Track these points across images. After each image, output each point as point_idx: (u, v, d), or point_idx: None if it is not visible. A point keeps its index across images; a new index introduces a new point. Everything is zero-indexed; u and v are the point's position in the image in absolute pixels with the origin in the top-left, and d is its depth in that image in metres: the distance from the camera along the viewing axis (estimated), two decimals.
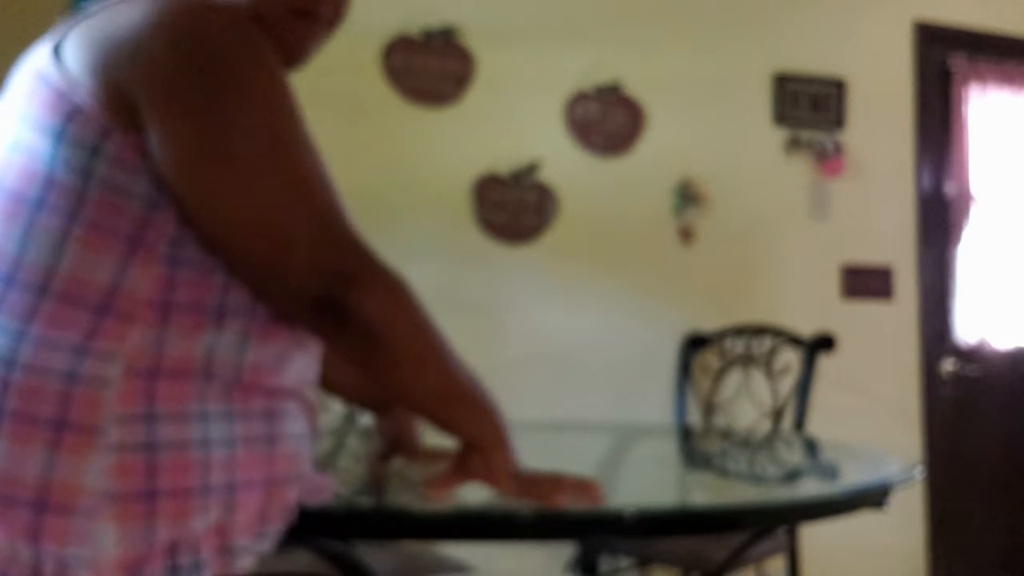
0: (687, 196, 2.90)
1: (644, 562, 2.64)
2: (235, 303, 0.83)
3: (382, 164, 2.66)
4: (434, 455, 1.15)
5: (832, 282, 3.09)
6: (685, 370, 2.86)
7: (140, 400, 0.78)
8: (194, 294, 0.81)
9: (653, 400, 2.87)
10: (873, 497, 1.21)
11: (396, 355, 0.83)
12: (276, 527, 0.89)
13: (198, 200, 0.81)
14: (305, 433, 0.93)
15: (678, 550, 2.23)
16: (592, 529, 1.30)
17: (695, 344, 2.87)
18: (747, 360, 2.77)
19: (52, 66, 0.83)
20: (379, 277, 0.82)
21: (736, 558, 2.11)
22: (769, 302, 2.98)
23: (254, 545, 0.86)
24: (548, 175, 2.79)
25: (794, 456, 1.91)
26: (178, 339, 0.80)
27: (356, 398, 1.27)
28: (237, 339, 0.83)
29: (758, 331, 2.76)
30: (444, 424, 0.91)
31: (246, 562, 0.85)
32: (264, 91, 0.82)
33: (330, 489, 0.96)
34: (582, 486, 0.93)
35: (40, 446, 0.74)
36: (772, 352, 2.70)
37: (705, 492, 1.46)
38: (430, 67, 2.71)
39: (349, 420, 2.17)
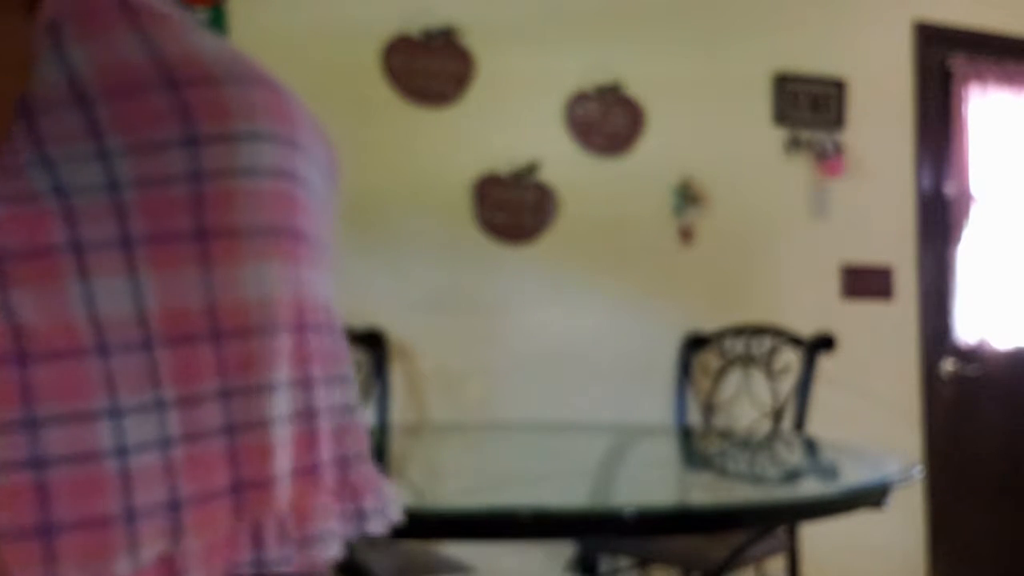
0: (687, 196, 2.90)
1: (644, 562, 2.64)
2: (93, 232, 0.53)
3: (382, 164, 2.66)
4: None
5: (832, 282, 3.09)
6: (685, 370, 2.86)
7: (13, 399, 0.54)
8: (20, 233, 0.53)
9: (653, 400, 2.87)
10: (872, 497, 1.21)
11: None
12: (277, 552, 0.61)
13: None
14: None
15: (678, 550, 2.24)
16: (592, 529, 1.30)
17: (695, 344, 2.87)
18: (747, 360, 2.77)
19: None
20: None
21: (736, 558, 2.11)
22: (769, 302, 2.98)
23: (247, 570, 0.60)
24: (548, 175, 2.79)
25: (794, 456, 1.91)
26: (30, 300, 0.53)
27: None
28: (122, 277, 0.55)
29: (758, 331, 2.76)
30: None
31: None
32: None
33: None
34: None
35: None
36: (772, 352, 2.70)
37: (705, 492, 1.46)
38: (430, 67, 2.71)
39: None
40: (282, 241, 0.60)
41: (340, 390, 0.66)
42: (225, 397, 0.60)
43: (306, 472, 0.63)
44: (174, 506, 0.57)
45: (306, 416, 0.65)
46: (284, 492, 0.62)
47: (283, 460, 0.62)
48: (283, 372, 0.61)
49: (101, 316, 0.54)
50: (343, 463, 0.65)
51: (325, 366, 0.64)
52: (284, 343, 0.61)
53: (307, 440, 0.65)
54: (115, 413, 0.56)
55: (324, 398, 0.65)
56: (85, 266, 0.54)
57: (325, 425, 0.65)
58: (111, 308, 0.54)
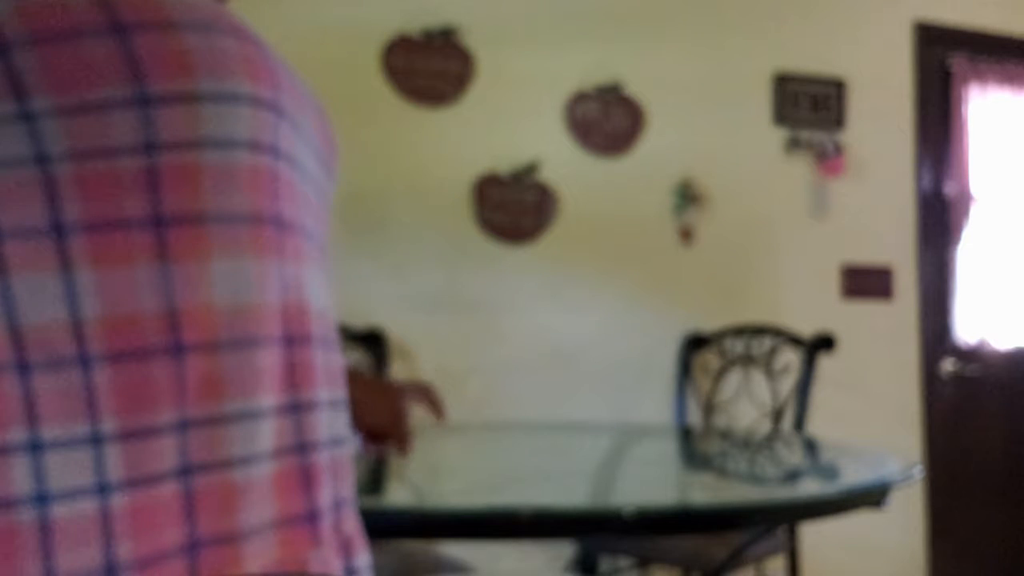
0: (687, 196, 2.90)
1: (644, 562, 2.64)
2: (14, 216, 0.42)
3: (382, 164, 2.67)
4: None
5: (832, 282, 3.09)
6: (685, 370, 2.86)
7: None
8: None
9: (653, 400, 2.87)
10: (872, 497, 1.21)
11: None
12: None
13: None
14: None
15: (678, 550, 2.24)
16: (592, 529, 1.30)
17: (695, 344, 2.87)
18: (747, 360, 2.77)
19: None
20: None
21: (736, 558, 2.11)
22: (769, 302, 2.98)
23: None
24: (548, 175, 2.79)
25: (794, 456, 1.91)
26: None
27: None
28: (53, 274, 0.43)
29: (758, 331, 2.76)
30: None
31: None
32: None
33: None
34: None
35: None
36: (772, 352, 2.70)
37: (705, 492, 1.46)
38: (430, 67, 2.71)
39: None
40: (263, 231, 0.47)
41: (336, 417, 0.53)
42: (182, 430, 0.45)
43: (299, 520, 0.50)
44: (110, 571, 0.42)
45: (297, 451, 0.51)
46: (259, 549, 0.48)
47: (260, 508, 0.48)
48: (265, 397, 0.48)
49: (23, 323, 0.41)
50: (337, 507, 0.53)
51: (322, 388, 0.52)
52: (267, 360, 0.48)
53: (299, 480, 0.51)
54: (35, 448, 0.41)
55: (321, 428, 0.52)
56: (2, 259, 0.41)
57: (322, 461, 0.52)
58: (37, 313, 0.42)
